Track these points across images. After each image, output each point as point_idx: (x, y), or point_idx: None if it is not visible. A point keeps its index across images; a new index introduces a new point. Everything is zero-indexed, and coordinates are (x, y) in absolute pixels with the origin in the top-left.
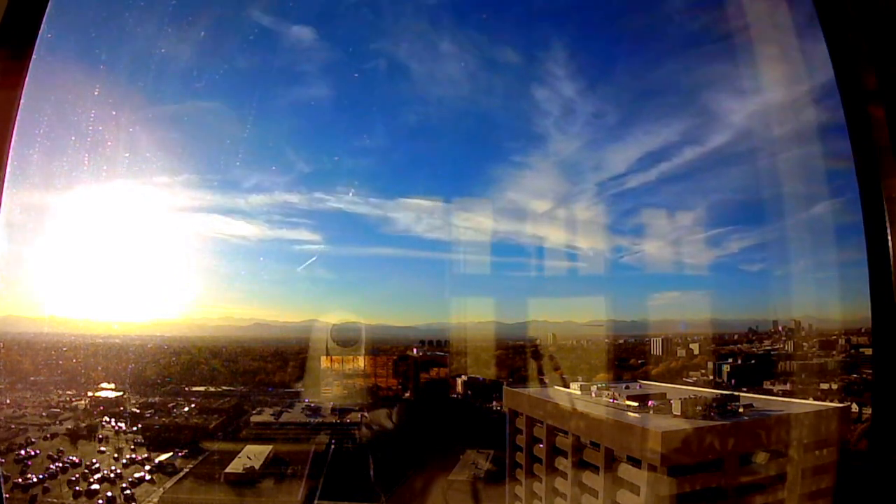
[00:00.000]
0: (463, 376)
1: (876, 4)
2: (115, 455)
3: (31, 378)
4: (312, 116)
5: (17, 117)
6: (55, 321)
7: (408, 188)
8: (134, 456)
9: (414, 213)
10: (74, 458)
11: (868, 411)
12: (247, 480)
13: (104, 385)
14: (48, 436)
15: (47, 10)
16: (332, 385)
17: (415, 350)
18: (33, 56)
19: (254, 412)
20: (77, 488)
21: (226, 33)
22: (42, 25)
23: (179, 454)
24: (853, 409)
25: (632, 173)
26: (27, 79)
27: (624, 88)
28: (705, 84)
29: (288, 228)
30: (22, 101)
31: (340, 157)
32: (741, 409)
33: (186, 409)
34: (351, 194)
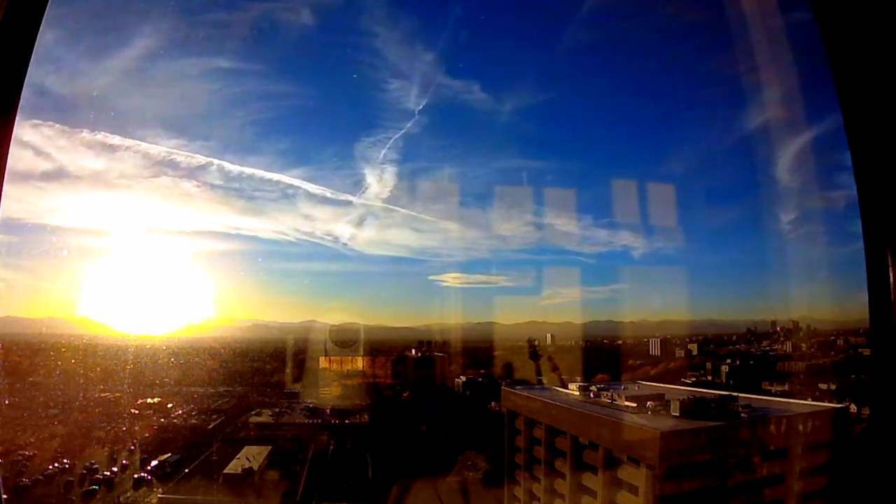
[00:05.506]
0: (462, 377)
1: (877, 14)
2: (114, 456)
3: (30, 378)
4: None
5: (17, 117)
6: (54, 321)
7: None
8: (133, 456)
9: None
10: (73, 460)
11: (866, 411)
12: (246, 481)
13: (103, 385)
14: (47, 436)
15: (47, 9)
16: (331, 386)
17: (413, 351)
18: (33, 55)
19: (253, 413)
20: (76, 489)
21: None
22: (42, 24)
23: (178, 455)
24: (851, 409)
25: None
26: (27, 78)
27: None
28: None
29: None
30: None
31: None
32: (740, 409)
33: (185, 409)
34: None
